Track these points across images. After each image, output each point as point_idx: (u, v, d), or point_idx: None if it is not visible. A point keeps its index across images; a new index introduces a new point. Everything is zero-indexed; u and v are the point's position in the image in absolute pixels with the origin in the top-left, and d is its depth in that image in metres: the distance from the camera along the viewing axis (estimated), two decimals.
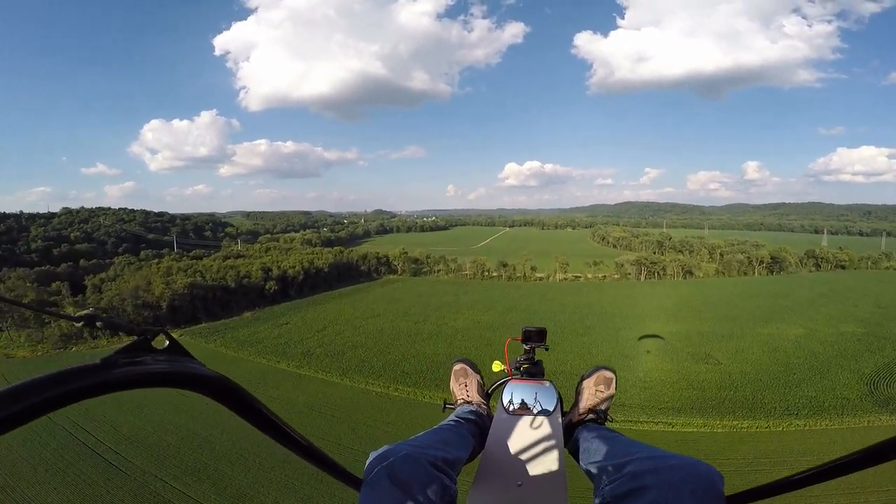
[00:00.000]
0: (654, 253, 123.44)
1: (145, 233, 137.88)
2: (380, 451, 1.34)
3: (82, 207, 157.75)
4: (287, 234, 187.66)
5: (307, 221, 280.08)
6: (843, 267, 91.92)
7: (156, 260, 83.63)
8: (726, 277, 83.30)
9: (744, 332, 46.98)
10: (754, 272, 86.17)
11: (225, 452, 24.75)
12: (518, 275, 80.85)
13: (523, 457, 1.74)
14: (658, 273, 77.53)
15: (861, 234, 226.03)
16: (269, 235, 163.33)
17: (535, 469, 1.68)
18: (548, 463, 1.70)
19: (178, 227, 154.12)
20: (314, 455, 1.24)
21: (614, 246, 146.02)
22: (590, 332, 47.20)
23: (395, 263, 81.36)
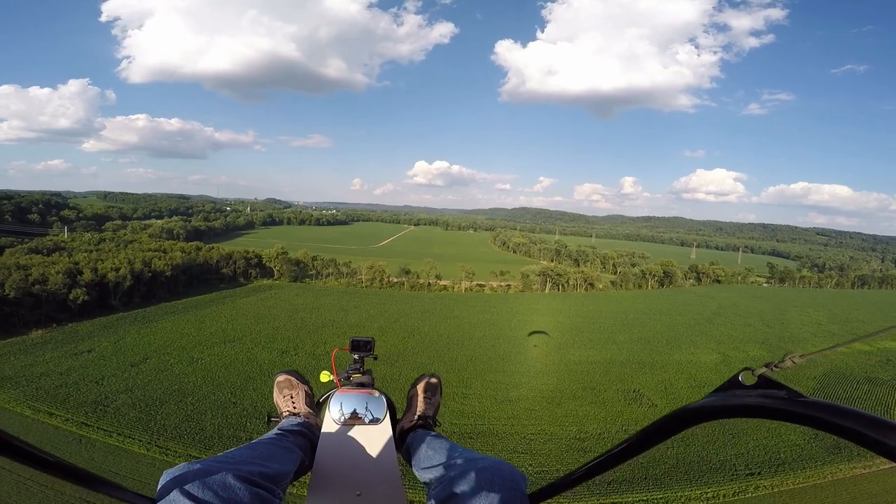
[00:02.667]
0: (552, 260, 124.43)
1: None
2: (175, 469, 1.19)
3: None
4: (147, 221, 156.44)
5: (179, 206, 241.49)
6: (718, 281, 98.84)
7: None
8: (623, 290, 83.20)
9: (662, 359, 42.91)
10: (647, 285, 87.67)
11: None
12: (421, 281, 71.64)
13: (358, 466, 1.76)
14: (562, 285, 73.98)
15: (717, 248, 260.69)
16: (118, 222, 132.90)
17: (372, 477, 1.70)
18: (384, 470, 1.74)
19: None
20: (86, 478, 1.06)
21: (514, 251, 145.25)
22: (504, 366, 39.17)
23: (270, 265, 66.49)
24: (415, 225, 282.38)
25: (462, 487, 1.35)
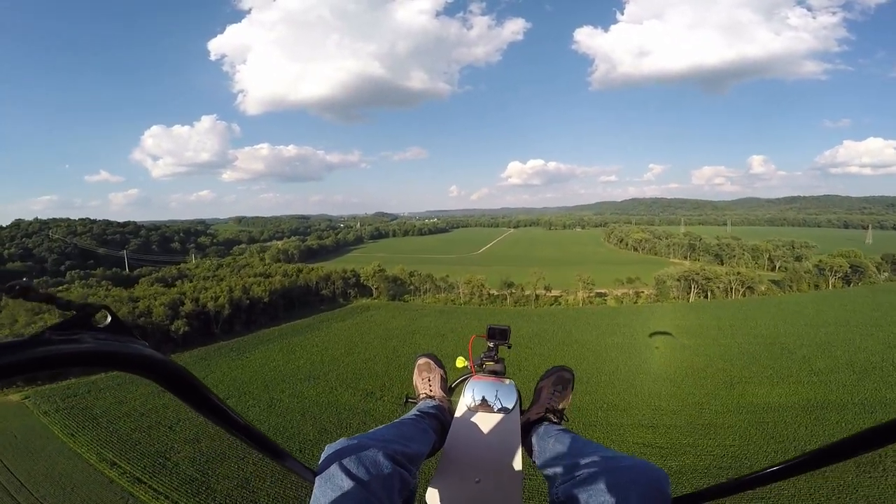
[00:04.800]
0: (686, 257, 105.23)
1: (96, 247, 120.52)
2: (336, 444, 1.32)
3: (35, 218, 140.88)
4: (269, 243, 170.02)
5: (300, 226, 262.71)
6: None
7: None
8: (794, 292, 64.52)
9: None
10: (828, 283, 67.33)
11: None
12: (527, 293, 62.47)
13: (482, 453, 1.77)
14: (712, 290, 58.88)
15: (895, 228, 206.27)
16: (244, 245, 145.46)
17: (492, 466, 1.71)
18: (505, 460, 1.74)
19: (139, 239, 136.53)
20: (267, 446, 1.16)
21: (635, 249, 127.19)
22: (655, 417, 28.66)
23: (368, 284, 62.95)
24: (514, 227, 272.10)
25: (596, 484, 1.26)
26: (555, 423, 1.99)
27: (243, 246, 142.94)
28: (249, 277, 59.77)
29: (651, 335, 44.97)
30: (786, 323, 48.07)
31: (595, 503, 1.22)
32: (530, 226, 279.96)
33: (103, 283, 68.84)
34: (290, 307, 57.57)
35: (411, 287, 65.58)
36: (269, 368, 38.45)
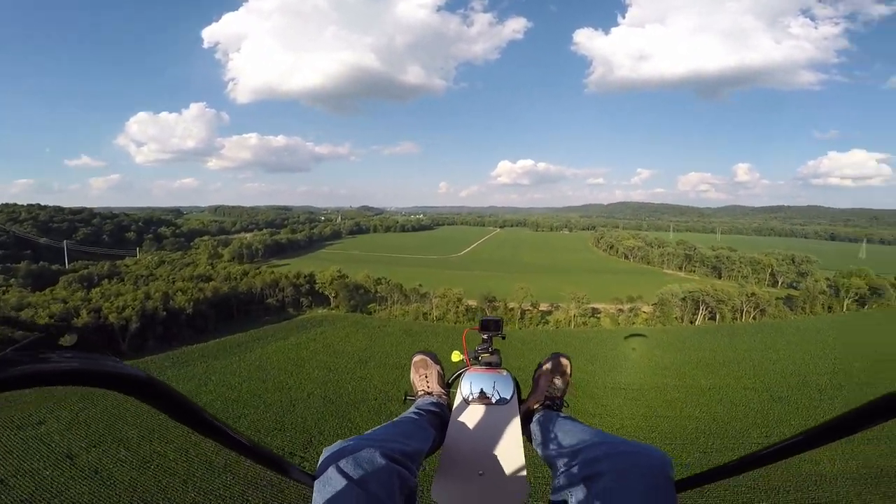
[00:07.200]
0: (681, 268, 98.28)
1: (37, 235, 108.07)
2: (333, 446, 1.31)
3: None
4: (238, 235, 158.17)
5: (277, 218, 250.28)
6: None
7: None
8: (809, 315, 57.38)
9: None
10: (843, 306, 60.48)
11: None
12: (511, 307, 53.98)
13: (484, 446, 1.77)
14: (722, 312, 51.10)
15: (884, 241, 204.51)
16: (206, 238, 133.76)
17: (495, 458, 1.71)
18: (508, 451, 1.73)
19: (90, 228, 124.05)
20: (260, 454, 1.13)
21: (626, 256, 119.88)
22: None
23: (325, 292, 53.55)
24: (500, 227, 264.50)
25: (598, 469, 1.26)
26: (555, 410, 1.98)
27: (206, 238, 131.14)
28: (182, 281, 49.99)
29: (626, 337, 43.64)
30: (812, 355, 40.45)
31: (598, 488, 1.21)
32: (517, 226, 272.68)
33: (12, 281, 58.14)
34: (227, 318, 48.03)
35: (377, 295, 56.47)
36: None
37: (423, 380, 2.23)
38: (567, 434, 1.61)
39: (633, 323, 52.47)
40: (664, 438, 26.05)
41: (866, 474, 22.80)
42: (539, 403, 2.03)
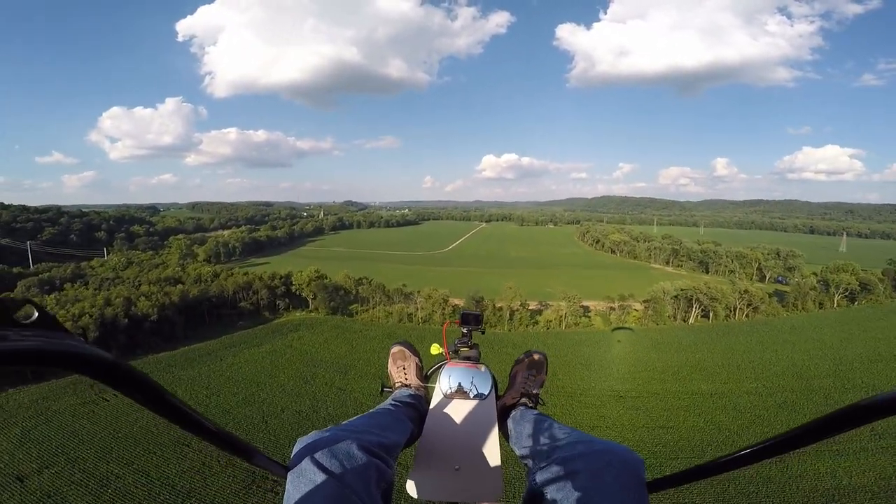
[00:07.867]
0: (668, 263, 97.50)
1: None
2: (308, 437, 1.28)
3: None
4: (214, 233, 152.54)
5: (257, 214, 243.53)
6: None
7: None
8: (801, 312, 56.56)
9: None
10: (833, 303, 59.82)
11: None
12: (499, 305, 51.70)
13: (460, 441, 1.77)
14: (715, 310, 49.66)
15: (861, 235, 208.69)
16: (180, 237, 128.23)
17: (471, 453, 1.72)
18: (484, 447, 1.74)
19: (57, 227, 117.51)
20: (229, 442, 1.06)
21: (613, 251, 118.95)
22: None
23: (303, 294, 50.43)
24: (486, 222, 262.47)
25: (572, 468, 1.26)
26: (530, 407, 1.98)
27: (180, 237, 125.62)
28: (147, 285, 46.36)
29: (613, 329, 43.01)
30: (811, 356, 39.24)
31: (571, 486, 1.21)
32: (502, 220, 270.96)
33: None
34: (198, 324, 44.68)
35: (359, 296, 53.55)
36: (126, 422, 25.95)
37: (401, 371, 2.19)
38: (542, 432, 1.60)
39: (626, 322, 50.78)
40: (669, 453, 24.11)
41: (885, 486, 21.42)
42: (515, 400, 2.00)
